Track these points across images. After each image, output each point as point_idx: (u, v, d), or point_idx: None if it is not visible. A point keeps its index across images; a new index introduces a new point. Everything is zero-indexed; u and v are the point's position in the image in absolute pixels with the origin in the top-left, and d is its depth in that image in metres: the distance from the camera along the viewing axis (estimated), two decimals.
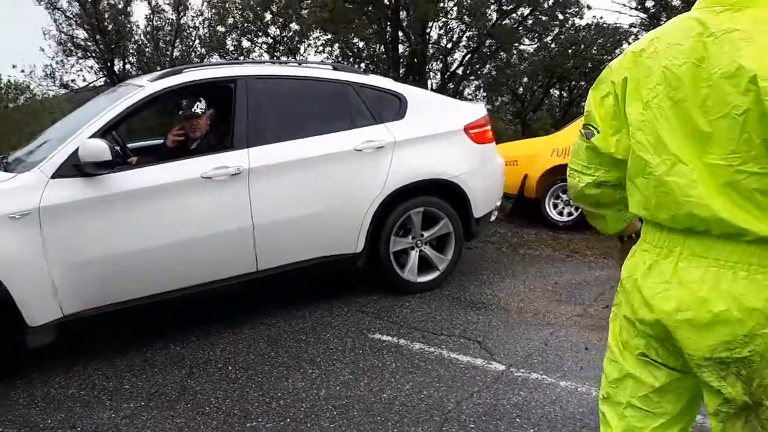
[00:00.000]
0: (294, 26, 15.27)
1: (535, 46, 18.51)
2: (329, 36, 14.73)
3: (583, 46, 18.61)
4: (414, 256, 4.17)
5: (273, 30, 15.69)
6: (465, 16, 14.93)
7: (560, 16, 17.53)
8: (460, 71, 16.94)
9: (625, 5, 18.86)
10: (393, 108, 4.17)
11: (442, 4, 14.61)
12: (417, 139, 4.10)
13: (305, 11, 13.42)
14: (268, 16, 14.97)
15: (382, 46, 16.27)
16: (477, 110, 4.63)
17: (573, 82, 21.13)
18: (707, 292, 1.14)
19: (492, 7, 15.62)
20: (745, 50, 1.06)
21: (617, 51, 20.29)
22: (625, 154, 1.28)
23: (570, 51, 18.31)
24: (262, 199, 3.58)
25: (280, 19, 14.88)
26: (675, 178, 1.16)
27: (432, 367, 3.06)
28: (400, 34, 14.62)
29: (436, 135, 4.19)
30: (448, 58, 17.35)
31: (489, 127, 4.56)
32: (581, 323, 3.59)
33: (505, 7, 15.68)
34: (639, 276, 1.26)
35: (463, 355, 3.18)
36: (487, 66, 18.53)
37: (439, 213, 4.18)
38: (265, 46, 15.90)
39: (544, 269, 4.80)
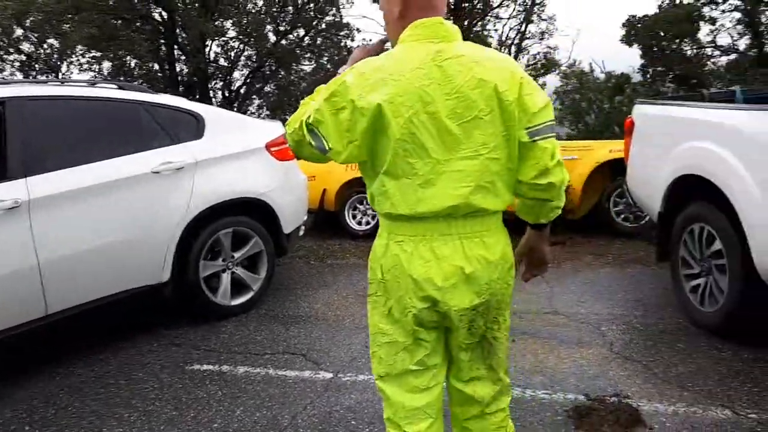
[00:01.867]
0: (53, 42, 13.71)
1: (313, 66, 19.17)
2: (97, 54, 13.52)
3: None
4: (226, 278, 4.05)
5: (27, 46, 13.91)
6: (245, 36, 14.86)
7: (334, 39, 18.37)
8: (242, 90, 16.77)
9: None
10: (190, 128, 4.02)
11: (218, 23, 14.37)
12: (219, 159, 4.00)
13: (67, 26, 12.14)
14: (19, 31, 13.23)
15: (156, 65, 15.44)
16: (275, 128, 4.67)
17: None
18: (459, 261, 1.47)
19: (269, 27, 15.80)
20: (477, 69, 1.43)
21: None
22: (352, 161, 1.50)
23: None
24: (48, 233, 3.19)
25: (35, 35, 13.26)
26: (436, 175, 1.44)
27: (261, 388, 3.01)
28: (178, 52, 14.00)
29: (239, 153, 4.14)
30: (229, 78, 17.10)
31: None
32: None
33: (282, 28, 15.96)
34: (404, 263, 1.49)
35: (290, 371, 3.19)
36: (268, 85, 18.66)
37: (249, 232, 4.13)
38: (17, 64, 14.01)
39: (352, 276, 5.00)
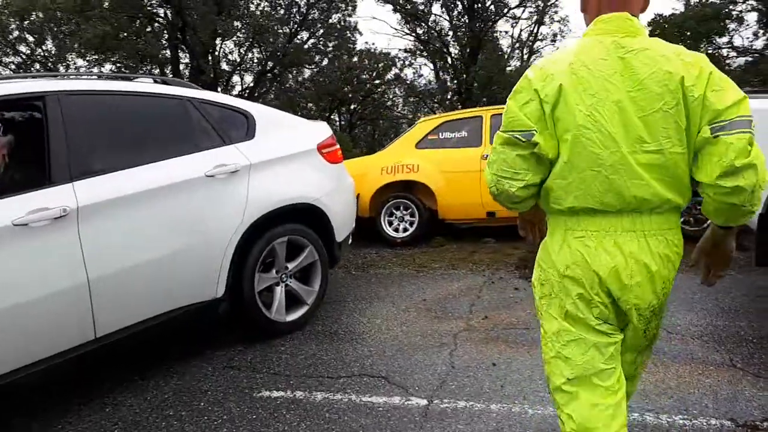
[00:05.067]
0: (50, 44, 13.21)
1: (316, 70, 18.82)
2: (96, 56, 13.05)
3: (357, 71, 19.42)
4: (280, 292, 3.68)
5: (24, 48, 13.39)
6: (257, 36, 14.49)
7: (339, 41, 18.04)
8: (246, 94, 16.41)
9: (398, 30, 20.19)
10: (241, 127, 3.66)
11: (223, 21, 13.98)
12: (273, 161, 3.64)
13: (65, 27, 11.64)
14: (16, 32, 12.72)
15: (156, 67, 15.02)
16: (323, 129, 4.32)
17: (352, 106, 21.98)
18: (645, 258, 1.47)
19: (278, 29, 15.46)
20: (663, 61, 1.42)
21: (388, 76, 21.59)
22: (551, 153, 1.49)
23: (345, 77, 18.95)
24: (98, 246, 2.81)
25: (35, 36, 12.74)
26: (624, 166, 1.43)
27: (349, 417, 2.64)
28: (181, 54, 13.60)
29: (292, 155, 3.79)
30: (234, 78, 16.74)
31: (338, 146, 4.28)
32: (473, 338, 3.47)
33: (288, 30, 15.61)
34: (588, 258, 1.49)
35: (376, 396, 2.82)
36: (274, 87, 18.32)
37: (303, 241, 3.76)
38: (13, 66, 13.50)
39: (404, 288, 4.65)
